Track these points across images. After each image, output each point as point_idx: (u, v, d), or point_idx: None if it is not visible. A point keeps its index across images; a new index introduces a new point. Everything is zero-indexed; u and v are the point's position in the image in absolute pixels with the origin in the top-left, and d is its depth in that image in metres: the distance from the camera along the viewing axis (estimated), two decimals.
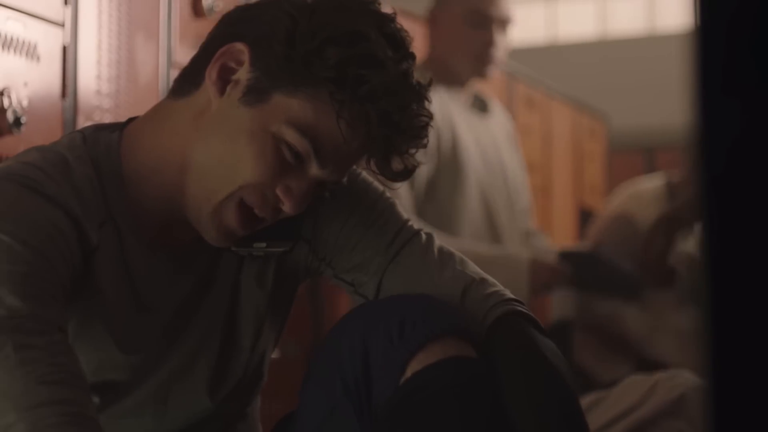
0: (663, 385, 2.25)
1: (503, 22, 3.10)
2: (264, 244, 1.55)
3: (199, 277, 1.54)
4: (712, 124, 0.67)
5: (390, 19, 1.45)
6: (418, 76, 1.46)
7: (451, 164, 3.04)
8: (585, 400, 2.24)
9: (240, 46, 1.43)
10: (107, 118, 2.26)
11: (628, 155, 7.37)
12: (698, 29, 0.68)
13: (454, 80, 3.11)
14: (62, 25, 2.17)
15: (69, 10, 2.18)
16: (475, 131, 3.15)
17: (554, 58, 8.69)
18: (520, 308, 1.53)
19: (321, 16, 1.41)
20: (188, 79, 1.49)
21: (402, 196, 2.91)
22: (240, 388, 1.60)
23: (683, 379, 2.25)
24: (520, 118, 4.61)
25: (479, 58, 3.08)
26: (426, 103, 1.45)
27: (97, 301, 1.46)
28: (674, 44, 8.01)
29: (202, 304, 1.55)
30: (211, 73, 1.44)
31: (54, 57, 2.15)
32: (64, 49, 2.18)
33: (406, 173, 1.49)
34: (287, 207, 1.43)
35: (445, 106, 3.04)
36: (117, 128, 1.52)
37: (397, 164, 1.47)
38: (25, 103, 2.04)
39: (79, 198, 1.42)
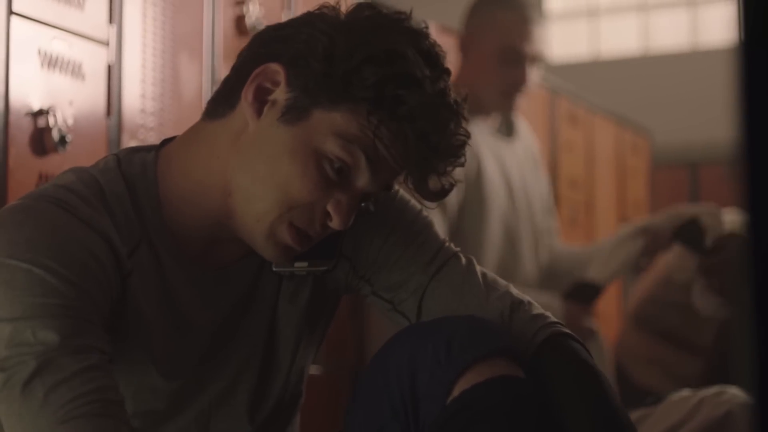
0: (709, 402, 2.23)
1: (535, 58, 3.07)
2: (306, 263, 1.54)
3: (239, 298, 1.54)
4: (757, 140, 0.67)
5: (425, 35, 1.45)
6: (454, 93, 1.45)
7: (475, 196, 3.03)
8: (631, 417, 2.22)
9: (275, 67, 1.43)
10: (151, 137, 2.27)
11: (672, 171, 7.32)
12: (742, 44, 0.68)
13: (480, 109, 3.09)
14: (107, 44, 2.19)
15: (114, 30, 2.20)
16: (500, 159, 3.14)
17: (597, 74, 8.66)
18: (566, 330, 1.53)
19: (358, 35, 1.41)
20: (223, 101, 1.49)
21: (435, 223, 2.90)
22: (279, 410, 1.60)
23: (729, 396, 2.23)
24: (562, 134, 4.60)
25: (508, 94, 3.06)
26: (463, 121, 1.45)
27: (136, 324, 1.45)
28: (718, 59, 7.96)
29: (242, 326, 1.54)
30: (247, 95, 1.44)
31: (99, 76, 2.17)
32: (109, 68, 2.20)
33: (443, 192, 1.49)
34: (336, 222, 1.43)
35: (474, 136, 3.03)
36: (152, 150, 1.52)
37: (434, 183, 1.46)
38: (70, 121, 2.06)
39: (113, 220, 1.42)
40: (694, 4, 8.97)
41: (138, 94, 2.28)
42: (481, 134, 3.08)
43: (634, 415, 2.28)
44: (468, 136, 1.45)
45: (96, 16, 2.16)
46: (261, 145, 1.43)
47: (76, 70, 2.10)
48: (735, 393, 2.25)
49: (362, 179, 1.43)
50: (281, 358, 1.58)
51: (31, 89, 1.99)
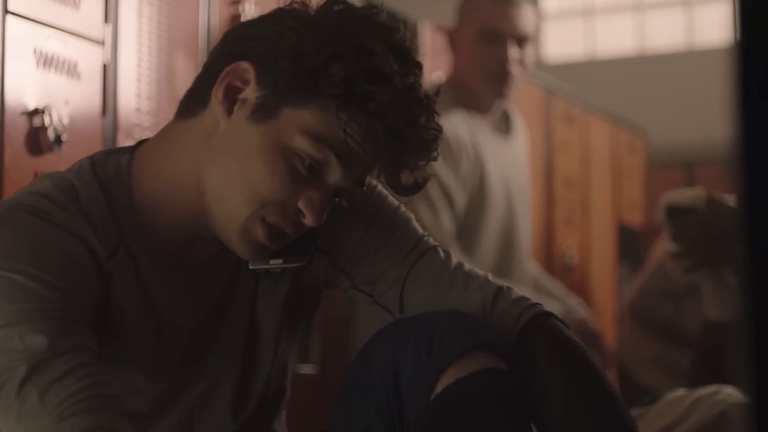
0: (704, 402, 2.23)
1: (519, 38, 3.07)
2: (280, 261, 1.54)
3: (217, 297, 1.54)
4: (753, 139, 0.67)
5: (395, 29, 1.44)
6: (426, 88, 1.45)
7: (477, 198, 3.04)
8: None
9: (245, 65, 1.42)
10: (147, 136, 2.26)
11: (667, 170, 7.32)
12: (738, 43, 0.68)
13: (477, 104, 3.09)
14: (102, 44, 2.18)
15: (109, 29, 2.20)
16: (500, 158, 3.14)
17: (592, 74, 8.67)
18: (547, 309, 1.55)
19: (326, 31, 1.40)
20: (194, 100, 1.48)
21: (444, 227, 2.91)
22: (262, 407, 1.60)
23: (724, 396, 2.23)
24: (558, 133, 4.60)
25: (496, 77, 3.05)
26: (435, 115, 1.44)
27: (118, 326, 1.45)
28: (714, 59, 7.97)
29: (222, 325, 1.55)
30: (218, 94, 1.43)
31: (94, 75, 2.16)
32: (105, 67, 2.20)
33: (416, 187, 1.49)
34: (308, 219, 1.42)
35: (473, 134, 3.03)
36: (127, 152, 1.51)
37: (406, 178, 1.47)
38: (65, 120, 2.06)
39: (90, 223, 1.42)
40: (689, 4, 8.98)
41: (134, 93, 2.28)
42: (483, 135, 3.08)
43: None
44: (439, 130, 1.45)
45: (91, 16, 2.15)
46: (231, 144, 1.43)
47: (71, 70, 2.10)
48: (730, 392, 2.25)
49: (333, 176, 1.43)
50: (262, 355, 1.58)
51: (27, 88, 1.99)
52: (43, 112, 2.00)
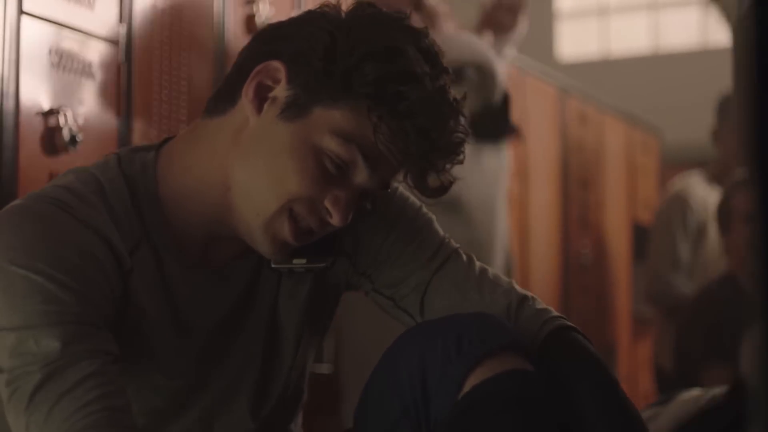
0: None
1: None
2: (304, 260, 1.54)
3: (239, 296, 1.54)
4: (766, 138, 0.67)
5: (424, 34, 1.45)
6: (453, 92, 1.46)
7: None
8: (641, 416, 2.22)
9: (276, 64, 1.44)
10: (162, 136, 2.27)
11: (682, 170, 7.31)
12: (752, 42, 0.68)
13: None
14: (117, 44, 2.19)
15: (124, 29, 2.20)
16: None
17: (607, 73, 8.66)
18: (569, 323, 1.55)
19: (359, 32, 1.42)
20: (223, 98, 1.50)
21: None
22: (280, 406, 1.60)
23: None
24: (572, 133, 4.60)
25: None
26: (463, 119, 1.45)
27: (137, 322, 1.45)
28: (727, 58, 7.95)
29: (243, 324, 1.55)
30: (248, 92, 1.45)
31: (109, 75, 2.17)
32: (119, 67, 2.20)
33: (442, 189, 1.49)
34: (335, 219, 1.43)
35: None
36: (153, 149, 1.53)
37: (433, 180, 1.47)
38: (80, 121, 2.06)
39: (113, 219, 1.43)
40: (704, 3, 8.96)
41: (148, 93, 2.28)
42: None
43: (643, 414, 2.28)
44: (467, 133, 1.46)
45: (106, 16, 2.16)
46: (260, 141, 1.44)
47: (86, 70, 2.10)
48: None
49: (360, 176, 1.43)
50: (283, 355, 1.58)
51: (42, 89, 1.99)
52: (58, 112, 2.01)
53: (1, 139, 1.91)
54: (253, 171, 1.44)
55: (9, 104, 1.92)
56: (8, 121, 1.92)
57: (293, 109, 1.42)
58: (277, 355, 1.58)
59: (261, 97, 1.44)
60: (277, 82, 1.44)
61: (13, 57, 1.93)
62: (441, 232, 1.61)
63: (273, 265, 1.55)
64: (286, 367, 1.58)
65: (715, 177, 4.23)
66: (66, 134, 2.01)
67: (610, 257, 4.89)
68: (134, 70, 2.24)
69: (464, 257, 1.59)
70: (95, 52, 2.13)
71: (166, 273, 1.48)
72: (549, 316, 1.54)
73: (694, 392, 2.35)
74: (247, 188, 1.45)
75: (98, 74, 2.13)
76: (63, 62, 2.04)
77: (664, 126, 5.90)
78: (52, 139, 2.00)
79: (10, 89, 1.92)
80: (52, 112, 2.01)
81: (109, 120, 2.17)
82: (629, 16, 9.20)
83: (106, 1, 2.16)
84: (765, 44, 0.68)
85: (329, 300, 1.63)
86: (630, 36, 9.08)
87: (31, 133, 1.97)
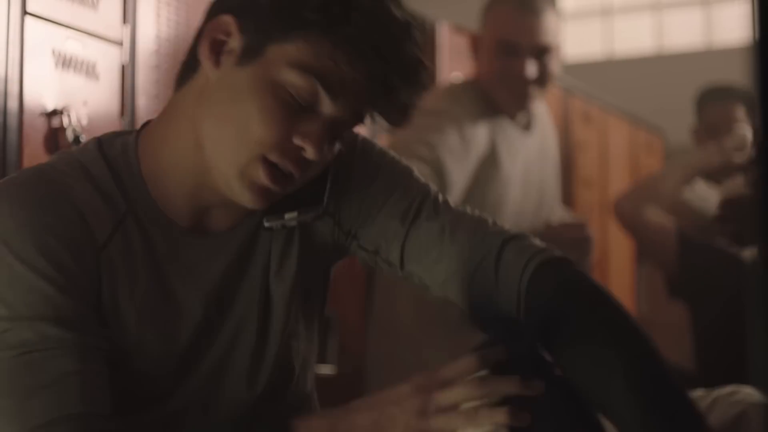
0: (723, 402, 2.22)
1: (538, 50, 3.02)
2: (295, 213, 1.56)
3: (233, 262, 1.55)
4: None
5: None
6: (401, 11, 1.46)
7: (491, 187, 3.03)
8: None
9: (225, 18, 1.46)
10: None
11: None
12: (757, 43, 0.68)
13: (499, 108, 3.06)
14: (121, 44, 2.19)
15: (127, 30, 2.20)
16: (520, 153, 3.12)
17: (611, 73, 8.66)
18: (560, 254, 1.55)
19: None
20: (187, 68, 1.52)
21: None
22: (275, 377, 1.59)
23: (743, 396, 2.22)
24: (576, 133, 4.60)
25: (512, 90, 3.02)
26: (417, 35, 1.46)
27: (125, 299, 1.46)
28: (732, 58, 7.94)
29: (237, 291, 1.55)
30: (203, 50, 1.47)
31: (113, 76, 2.17)
32: (123, 67, 2.20)
33: (406, 114, 1.49)
34: (309, 152, 1.43)
35: (492, 132, 3.02)
36: (133, 132, 1.55)
37: (395, 101, 1.47)
38: (84, 121, 2.06)
39: (96, 195, 1.45)
40: (708, 3, 8.95)
41: (152, 94, 2.28)
42: (503, 133, 3.06)
43: None
44: (422, 58, 1.46)
45: (110, 16, 2.16)
46: (222, 91, 1.45)
47: (90, 70, 2.10)
48: (749, 392, 2.25)
49: (325, 106, 1.44)
50: (275, 321, 1.58)
51: (46, 89, 1.99)
52: (61, 112, 2.01)
53: (5, 139, 1.91)
54: (219, 122, 1.45)
55: (13, 105, 1.92)
56: (12, 121, 1.92)
57: (249, 53, 1.44)
58: (269, 323, 1.57)
59: (217, 52, 1.46)
60: (229, 34, 1.46)
61: (17, 57, 1.93)
62: (421, 181, 1.63)
63: (265, 224, 1.56)
64: (278, 329, 1.58)
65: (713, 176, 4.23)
66: (70, 135, 2.01)
67: (613, 258, 4.89)
68: (137, 70, 2.24)
69: (441, 204, 1.60)
70: (99, 53, 2.13)
71: (154, 247, 1.48)
72: (531, 253, 1.54)
73: (698, 392, 2.35)
74: (216, 140, 1.45)
75: (102, 75, 2.14)
76: (67, 63, 2.04)
77: (667, 126, 5.90)
78: (55, 139, 2.01)
79: (13, 90, 1.93)
80: (55, 113, 2.01)
81: (113, 121, 2.17)
82: (633, 16, 9.19)
83: (110, 1, 2.16)
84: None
85: (318, 265, 1.63)
86: (634, 36, 9.07)
87: (35, 134, 1.97)
